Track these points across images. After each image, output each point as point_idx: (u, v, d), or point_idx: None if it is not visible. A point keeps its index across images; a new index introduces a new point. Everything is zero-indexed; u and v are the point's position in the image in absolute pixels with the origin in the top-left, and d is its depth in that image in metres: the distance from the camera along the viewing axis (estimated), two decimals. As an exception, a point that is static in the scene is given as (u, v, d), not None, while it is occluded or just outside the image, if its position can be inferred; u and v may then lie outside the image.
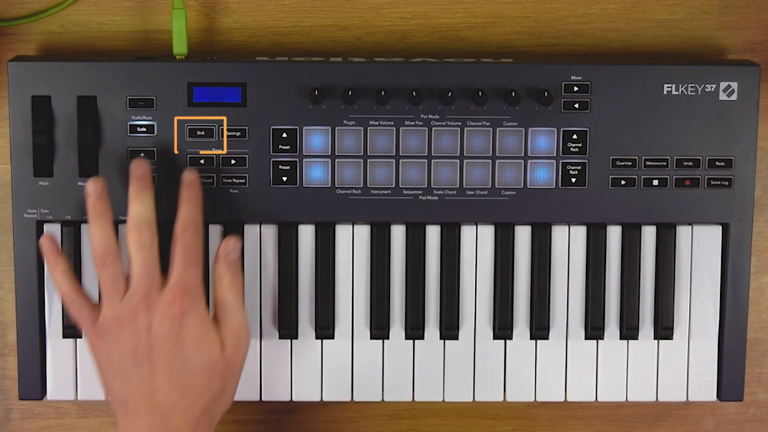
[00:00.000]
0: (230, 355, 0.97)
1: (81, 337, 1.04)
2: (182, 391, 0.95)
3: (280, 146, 1.02)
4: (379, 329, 1.04)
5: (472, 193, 1.03)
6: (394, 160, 1.02)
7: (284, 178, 1.02)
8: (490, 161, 1.02)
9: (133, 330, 0.95)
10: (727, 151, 1.03)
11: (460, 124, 1.02)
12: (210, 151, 1.02)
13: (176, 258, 0.97)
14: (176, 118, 1.01)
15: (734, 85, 1.02)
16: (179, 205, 0.98)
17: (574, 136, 1.02)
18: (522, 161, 1.03)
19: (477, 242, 1.04)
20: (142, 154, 1.01)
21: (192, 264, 0.97)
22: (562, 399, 1.05)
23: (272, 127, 1.02)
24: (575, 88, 1.02)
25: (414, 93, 1.01)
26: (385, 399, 1.05)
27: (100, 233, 0.97)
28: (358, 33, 1.07)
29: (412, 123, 1.02)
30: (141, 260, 0.96)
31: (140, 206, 0.97)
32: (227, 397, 0.98)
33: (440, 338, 1.05)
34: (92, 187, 0.98)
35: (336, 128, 1.02)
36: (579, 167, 1.03)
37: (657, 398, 1.06)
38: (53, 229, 1.02)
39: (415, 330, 1.04)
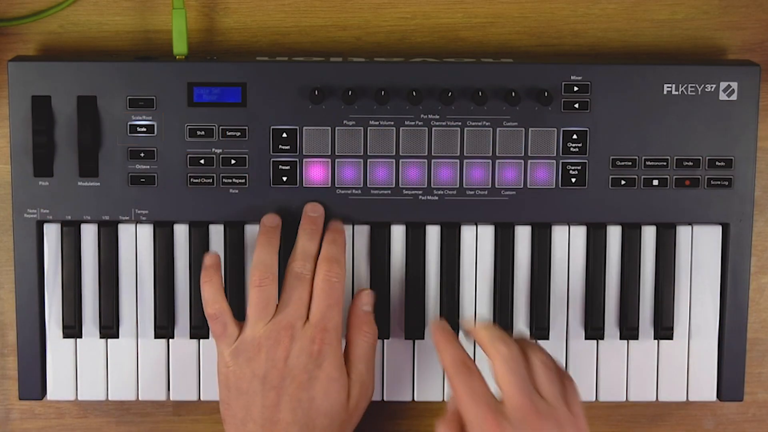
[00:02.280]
0: (352, 406, 0.97)
1: (81, 336, 1.04)
2: (301, 428, 0.95)
3: (280, 146, 1.02)
4: (379, 329, 1.04)
5: (472, 193, 1.03)
6: (394, 160, 1.02)
7: (284, 178, 1.02)
8: (490, 161, 1.02)
9: (269, 356, 0.95)
10: (727, 151, 1.03)
11: (460, 124, 1.02)
12: (210, 151, 1.02)
13: (319, 296, 0.97)
14: (176, 118, 1.01)
15: (734, 85, 1.02)
16: (324, 243, 1.00)
17: (574, 136, 1.02)
18: (522, 161, 1.03)
19: (477, 242, 1.04)
20: (142, 154, 1.01)
21: (334, 305, 0.97)
22: (562, 399, 1.06)
23: (272, 127, 1.02)
24: (575, 88, 1.02)
25: (414, 93, 1.01)
26: (385, 399, 1.05)
27: (265, 255, 0.98)
28: (358, 33, 1.07)
29: (412, 123, 1.02)
30: (297, 291, 0.97)
31: (308, 242, 0.99)
32: None
33: (440, 338, 1.05)
34: (268, 220, 1.00)
35: (336, 128, 1.02)
36: (579, 167, 1.03)
37: (657, 398, 1.06)
38: (53, 229, 1.02)
39: (415, 330, 1.04)
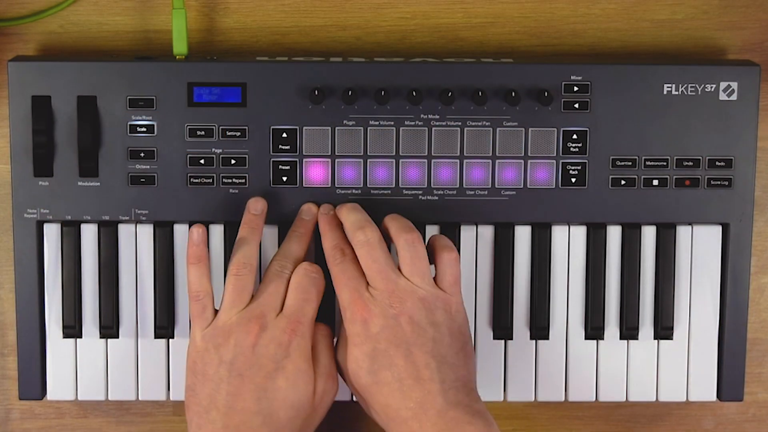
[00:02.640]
0: (318, 400, 0.97)
1: (81, 336, 1.04)
2: (265, 418, 0.95)
3: (280, 146, 1.02)
4: (379, 329, 1.04)
5: (472, 193, 1.03)
6: (394, 160, 1.02)
7: (284, 178, 1.02)
8: (490, 161, 1.02)
9: (238, 342, 0.95)
10: (727, 151, 1.03)
11: (460, 124, 1.02)
12: (210, 151, 1.02)
13: (296, 289, 0.98)
14: (176, 118, 1.01)
15: (734, 85, 1.02)
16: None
17: (574, 136, 1.02)
18: (522, 161, 1.03)
19: (477, 242, 1.04)
20: (142, 154, 1.01)
21: (310, 300, 0.97)
22: (562, 399, 1.05)
23: (272, 127, 1.02)
24: (575, 88, 1.02)
25: (414, 93, 1.00)
26: (385, 399, 1.05)
27: (246, 246, 0.98)
28: (358, 33, 1.07)
29: (412, 123, 1.02)
30: (274, 285, 0.97)
31: (294, 245, 1.00)
32: None
33: (440, 338, 1.04)
34: (253, 206, 1.00)
35: (336, 128, 1.02)
36: (579, 167, 1.03)
37: (657, 398, 1.06)
38: (53, 229, 1.02)
39: (415, 330, 1.04)
